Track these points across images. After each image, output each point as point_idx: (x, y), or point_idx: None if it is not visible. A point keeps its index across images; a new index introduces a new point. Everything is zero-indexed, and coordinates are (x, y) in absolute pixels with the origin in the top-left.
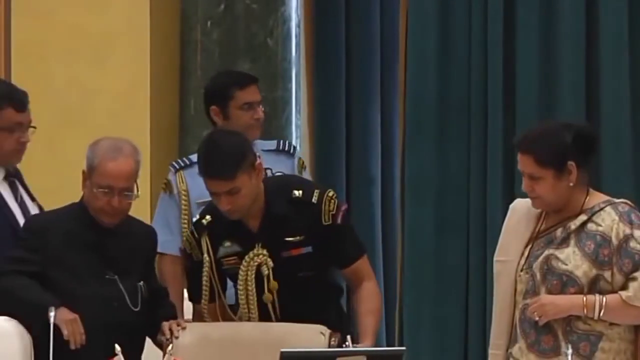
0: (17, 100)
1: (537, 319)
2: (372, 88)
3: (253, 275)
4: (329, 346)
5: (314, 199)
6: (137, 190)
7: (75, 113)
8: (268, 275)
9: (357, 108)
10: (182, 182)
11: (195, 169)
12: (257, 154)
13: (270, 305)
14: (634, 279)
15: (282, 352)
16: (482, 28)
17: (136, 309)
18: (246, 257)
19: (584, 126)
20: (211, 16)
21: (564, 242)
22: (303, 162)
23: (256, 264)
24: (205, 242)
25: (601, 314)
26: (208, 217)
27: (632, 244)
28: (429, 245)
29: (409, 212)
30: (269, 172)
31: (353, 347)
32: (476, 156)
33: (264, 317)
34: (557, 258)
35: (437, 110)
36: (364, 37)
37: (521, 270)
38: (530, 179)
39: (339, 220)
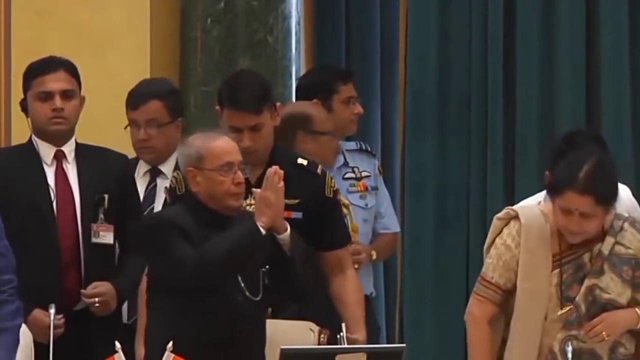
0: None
1: (605, 339)
2: (372, 84)
3: None
4: (319, 342)
5: (318, 171)
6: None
7: None
8: None
9: None
10: None
11: None
12: (342, 152)
13: None
14: None
15: (282, 350)
16: (482, 23)
17: (257, 298)
18: None
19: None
20: (211, 13)
21: (601, 270)
22: (380, 167)
23: None
24: None
25: None
26: None
27: None
28: (429, 240)
29: (409, 207)
30: (355, 171)
31: (347, 336)
32: (476, 151)
33: None
34: (600, 287)
35: (437, 106)
36: (364, 34)
37: (558, 304)
38: (581, 216)
39: (338, 199)
